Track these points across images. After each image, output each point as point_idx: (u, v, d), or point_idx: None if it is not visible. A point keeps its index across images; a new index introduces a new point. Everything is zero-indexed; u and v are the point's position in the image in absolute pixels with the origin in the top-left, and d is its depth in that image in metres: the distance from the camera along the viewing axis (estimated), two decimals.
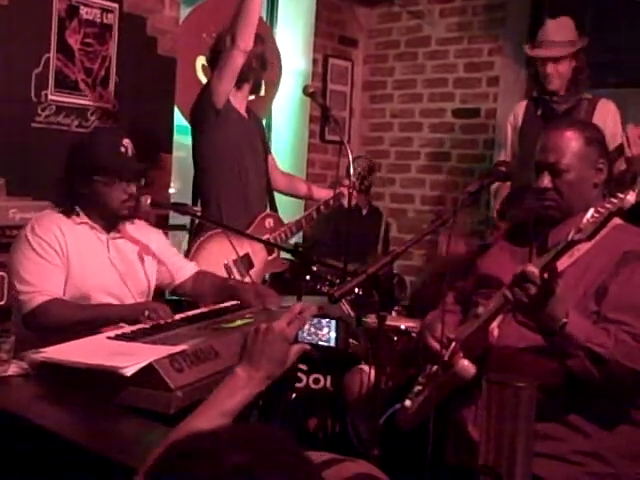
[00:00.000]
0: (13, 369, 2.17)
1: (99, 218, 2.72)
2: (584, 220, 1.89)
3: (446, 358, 2.13)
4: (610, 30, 4.67)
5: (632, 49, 4.69)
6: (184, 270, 2.95)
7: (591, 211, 1.90)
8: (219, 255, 3.39)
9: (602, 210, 1.87)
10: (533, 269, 1.88)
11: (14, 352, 2.18)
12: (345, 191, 3.65)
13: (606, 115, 3.53)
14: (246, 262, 3.51)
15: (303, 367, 3.29)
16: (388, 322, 3.47)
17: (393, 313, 3.86)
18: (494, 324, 2.08)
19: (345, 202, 3.63)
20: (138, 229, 2.88)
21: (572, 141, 2.19)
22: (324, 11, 5.46)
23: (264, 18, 5.18)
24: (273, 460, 0.94)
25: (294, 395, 3.21)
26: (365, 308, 3.39)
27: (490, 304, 2.09)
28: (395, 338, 3.36)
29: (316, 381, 3.32)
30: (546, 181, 2.19)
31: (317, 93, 3.82)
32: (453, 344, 2.14)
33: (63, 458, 1.73)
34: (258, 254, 3.57)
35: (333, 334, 1.65)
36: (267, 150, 3.86)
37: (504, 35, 5.11)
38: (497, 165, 2.49)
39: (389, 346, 3.32)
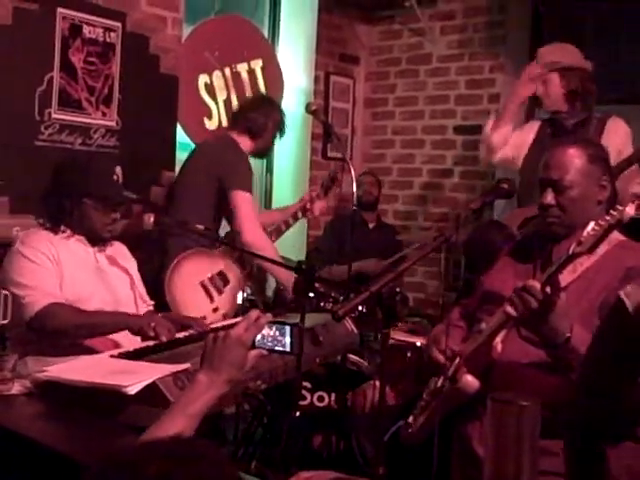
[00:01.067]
0: (17, 388, 2.17)
1: (82, 235, 2.78)
2: (584, 233, 1.91)
3: (450, 373, 2.13)
4: (610, 45, 4.68)
5: (632, 64, 4.71)
6: (142, 307, 2.96)
7: (591, 224, 1.91)
8: (195, 273, 3.46)
9: (602, 223, 1.89)
10: (534, 283, 1.90)
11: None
12: (307, 197, 3.91)
13: (615, 133, 3.54)
14: (222, 279, 3.56)
15: (307, 385, 3.29)
16: (401, 338, 3.47)
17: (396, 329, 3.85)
18: (498, 339, 2.09)
19: (312, 209, 3.87)
20: (119, 251, 2.94)
21: (575, 158, 2.20)
22: (325, 29, 5.48)
23: (266, 36, 5.21)
24: (193, 468, 0.98)
25: (298, 413, 3.20)
26: (369, 325, 3.39)
27: (493, 319, 2.10)
28: (409, 354, 3.36)
29: (320, 399, 3.32)
30: (549, 198, 2.20)
31: (319, 110, 3.85)
32: (457, 359, 2.14)
33: (65, 477, 1.73)
34: (231, 270, 3.58)
35: (288, 339, 1.71)
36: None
37: (505, 52, 5.14)
38: (499, 182, 2.49)
39: (402, 362, 3.32)
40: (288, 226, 3.87)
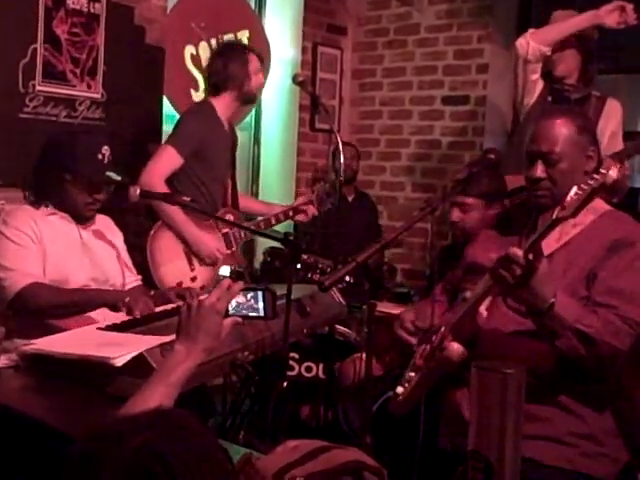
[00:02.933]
0: (2, 361, 2.17)
1: (65, 211, 2.76)
2: (567, 198, 1.90)
3: (436, 342, 2.15)
4: None
5: (626, 35, 4.69)
6: (131, 279, 2.95)
7: (574, 189, 1.91)
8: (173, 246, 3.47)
9: (585, 187, 1.89)
10: (517, 250, 1.90)
11: None
12: (302, 204, 3.80)
13: (613, 114, 3.55)
14: None
15: (295, 355, 3.30)
16: (386, 310, 3.48)
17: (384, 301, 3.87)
18: (482, 307, 2.09)
19: (301, 217, 3.79)
20: (105, 225, 2.92)
21: (564, 129, 2.20)
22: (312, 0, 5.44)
23: (252, 7, 5.16)
24: (175, 436, 1.02)
25: (286, 383, 3.21)
26: (356, 296, 3.40)
27: (477, 288, 2.11)
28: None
29: (308, 369, 3.32)
30: (539, 171, 2.20)
31: (306, 82, 3.81)
32: (442, 328, 2.15)
33: (53, 449, 1.73)
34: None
35: (261, 304, 1.74)
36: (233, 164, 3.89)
37: (493, 22, 5.10)
38: (486, 152, 2.49)
39: (387, 334, 3.34)
40: (278, 221, 3.80)
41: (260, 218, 3.80)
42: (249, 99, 3.76)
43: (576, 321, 1.96)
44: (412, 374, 2.21)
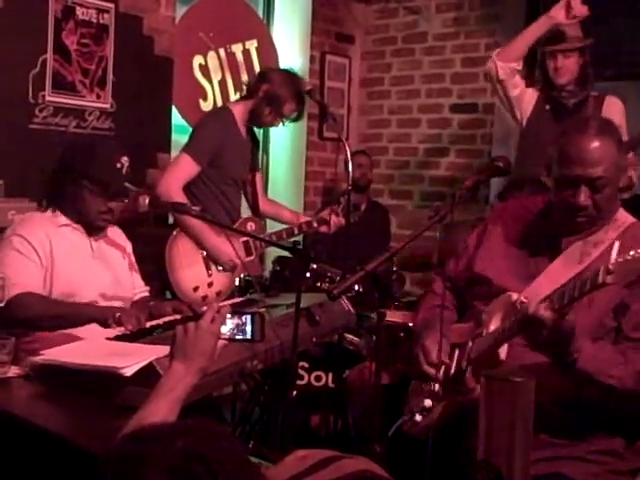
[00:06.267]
0: (14, 371, 2.18)
1: (78, 222, 2.76)
2: (612, 258, 1.72)
3: (452, 371, 2.10)
4: (607, 22, 4.65)
5: (630, 41, 4.68)
6: (140, 289, 2.96)
7: (617, 245, 1.75)
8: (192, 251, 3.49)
9: (634, 254, 1.69)
10: (545, 315, 1.79)
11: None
12: (326, 215, 3.78)
13: (613, 112, 3.54)
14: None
15: (305, 364, 3.30)
16: (394, 319, 3.47)
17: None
18: (502, 352, 2.01)
19: (324, 229, 3.78)
20: (115, 234, 2.93)
21: (608, 151, 2.02)
22: (320, 8, 5.44)
23: (261, 16, 5.18)
24: (213, 442, 1.08)
25: (295, 392, 3.21)
26: (365, 305, 3.39)
27: (497, 321, 2.03)
28: (402, 334, 3.36)
29: (318, 378, 3.33)
30: (584, 197, 2.02)
31: (315, 90, 3.83)
32: (457, 352, 2.10)
33: (63, 459, 1.74)
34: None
35: (249, 327, 1.78)
36: (257, 167, 3.91)
37: (500, 30, 5.10)
38: (494, 160, 2.47)
39: (395, 343, 3.32)
40: (301, 231, 3.80)
41: (283, 227, 3.80)
42: (256, 122, 3.75)
43: (598, 373, 1.90)
44: (430, 402, 2.14)
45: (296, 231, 3.73)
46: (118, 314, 2.46)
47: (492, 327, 2.05)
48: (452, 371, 2.12)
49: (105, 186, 2.68)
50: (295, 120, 3.78)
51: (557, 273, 2.06)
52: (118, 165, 2.70)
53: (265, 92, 3.60)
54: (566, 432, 2.01)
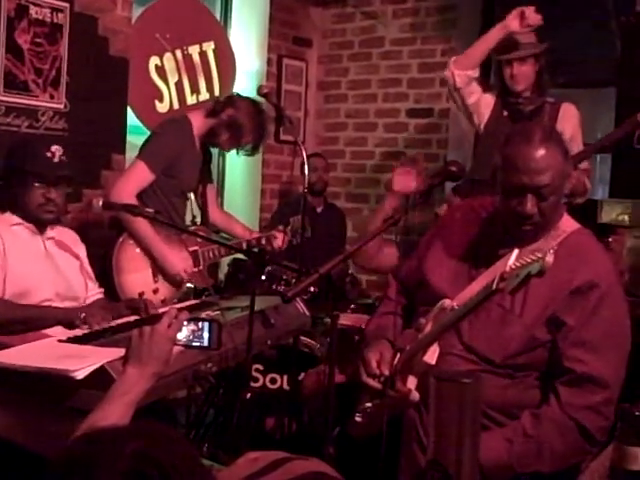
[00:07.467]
0: None
1: (28, 220, 2.75)
2: (508, 266, 1.77)
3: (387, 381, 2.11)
4: (558, 30, 4.74)
5: (582, 49, 4.78)
6: (93, 291, 2.96)
7: (515, 253, 1.82)
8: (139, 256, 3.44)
9: (523, 262, 1.76)
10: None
11: None
12: (278, 234, 3.78)
13: (569, 118, 3.60)
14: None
15: (260, 367, 3.30)
16: (347, 322, 3.49)
17: (348, 312, 3.88)
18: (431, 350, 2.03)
19: (275, 244, 3.75)
20: (69, 238, 2.92)
21: (553, 160, 2.03)
22: (278, 12, 5.45)
23: (218, 18, 5.17)
24: (167, 445, 1.07)
25: (250, 395, 3.21)
26: (320, 308, 3.41)
27: (429, 327, 2.05)
28: (357, 337, 3.38)
29: (273, 381, 3.33)
30: (530, 205, 2.02)
31: (271, 93, 3.82)
32: (397, 358, 2.12)
33: (12, 462, 1.72)
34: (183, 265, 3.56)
35: (206, 334, 1.78)
36: (209, 179, 3.90)
37: (456, 36, 5.17)
38: (447, 164, 2.50)
39: (349, 346, 3.34)
40: (250, 246, 3.61)
41: (234, 241, 3.77)
42: (211, 140, 3.70)
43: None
44: (369, 404, 2.16)
45: (244, 246, 3.64)
46: (83, 314, 2.47)
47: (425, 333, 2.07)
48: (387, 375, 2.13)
49: (39, 176, 2.69)
50: (249, 154, 3.77)
51: (485, 281, 2.07)
52: (48, 154, 2.69)
53: (229, 116, 3.58)
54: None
